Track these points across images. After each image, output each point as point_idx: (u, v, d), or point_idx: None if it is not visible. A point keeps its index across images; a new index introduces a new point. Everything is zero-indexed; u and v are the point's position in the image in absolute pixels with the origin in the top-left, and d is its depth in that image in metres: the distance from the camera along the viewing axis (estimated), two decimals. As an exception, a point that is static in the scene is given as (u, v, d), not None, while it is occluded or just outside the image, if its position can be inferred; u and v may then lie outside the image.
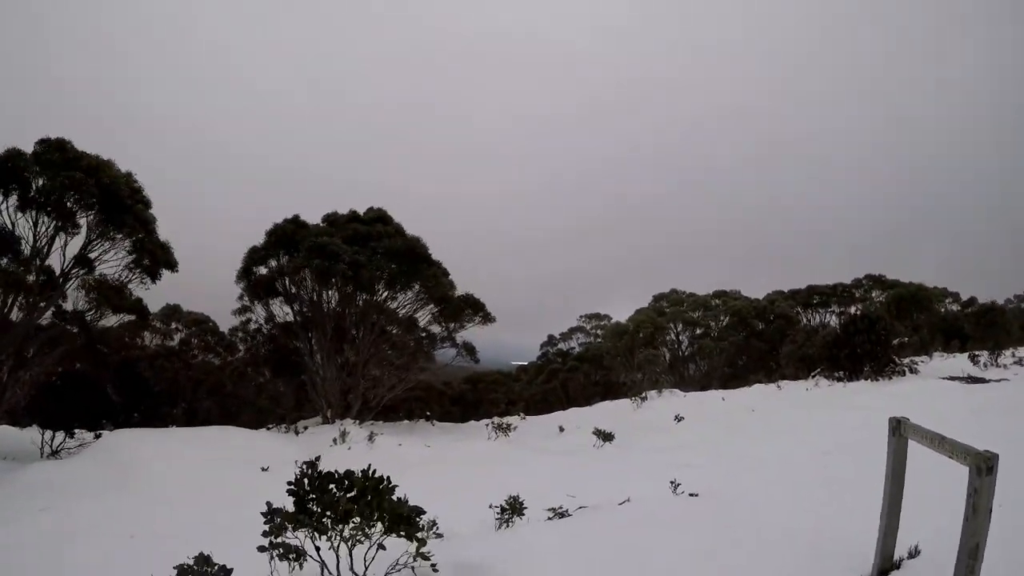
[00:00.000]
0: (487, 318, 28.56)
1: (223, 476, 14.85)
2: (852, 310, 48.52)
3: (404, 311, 28.63)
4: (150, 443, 16.97)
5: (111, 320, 24.81)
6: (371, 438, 19.16)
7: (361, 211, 29.66)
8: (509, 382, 47.61)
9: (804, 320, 48.85)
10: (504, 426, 21.45)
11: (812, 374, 30.22)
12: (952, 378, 21.64)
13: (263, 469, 15.57)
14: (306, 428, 24.37)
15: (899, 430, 5.06)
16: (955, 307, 49.48)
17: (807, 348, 32.41)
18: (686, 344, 45.92)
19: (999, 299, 62.12)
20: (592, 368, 45.72)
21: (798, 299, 50.53)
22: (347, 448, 18.82)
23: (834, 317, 49.33)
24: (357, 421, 25.32)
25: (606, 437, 16.37)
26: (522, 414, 30.80)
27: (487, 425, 23.81)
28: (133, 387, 27.03)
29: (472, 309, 28.37)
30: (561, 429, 22.47)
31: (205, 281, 37.40)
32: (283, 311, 28.99)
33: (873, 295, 49.28)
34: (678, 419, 18.87)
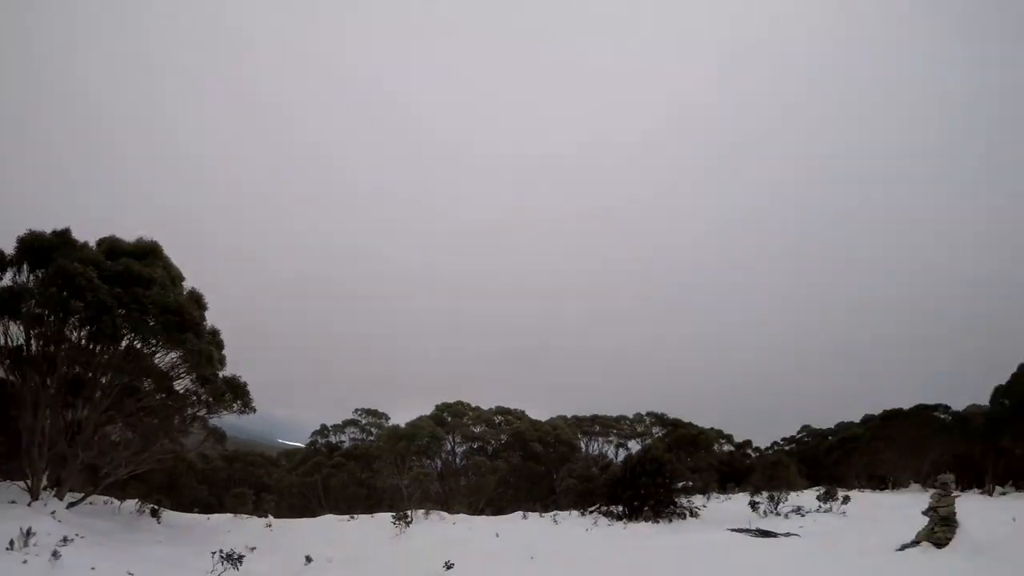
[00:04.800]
0: (247, 405, 24.46)
1: None
2: (631, 444, 48.57)
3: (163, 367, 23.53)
4: None
5: None
6: (55, 555, 14.01)
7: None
8: (269, 466, 44.93)
9: (583, 447, 48.05)
10: (234, 557, 16.70)
11: (591, 509, 28.41)
12: (740, 530, 20.47)
13: None
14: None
15: None
16: (728, 448, 51.02)
17: (589, 484, 30.86)
18: (461, 458, 43.21)
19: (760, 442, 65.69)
20: (359, 467, 41.71)
21: (581, 426, 49.82)
22: (22, 560, 13.66)
23: (613, 448, 49.15)
24: (64, 502, 19.80)
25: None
26: (270, 517, 26.03)
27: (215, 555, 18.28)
28: None
29: (233, 394, 24.10)
30: (308, 560, 18.06)
31: None
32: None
33: (654, 432, 49.64)
34: (447, 567, 15.30)
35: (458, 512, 27.54)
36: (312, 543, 19.35)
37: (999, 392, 47.19)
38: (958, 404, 52.61)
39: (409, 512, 24.24)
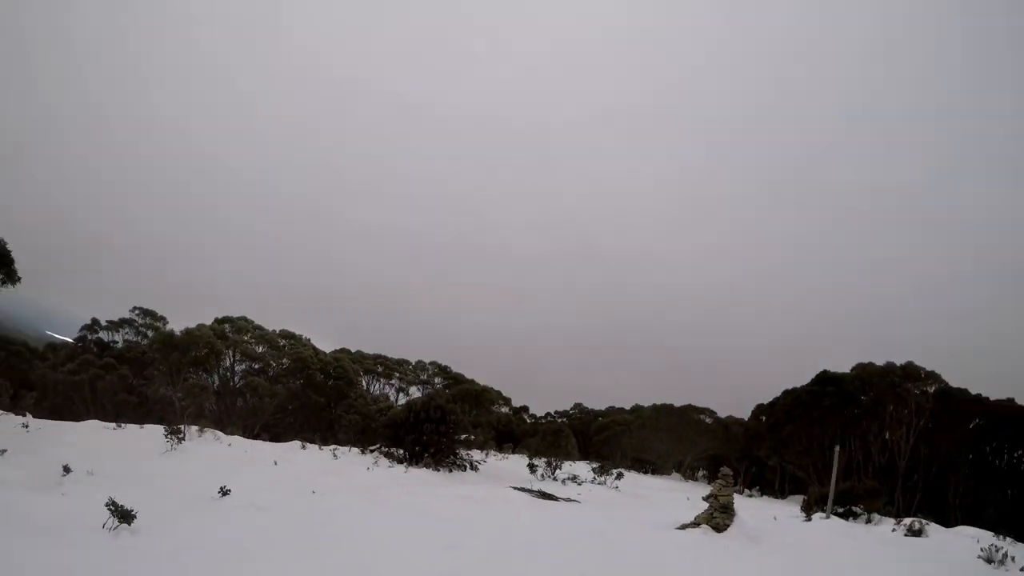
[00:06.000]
0: (9, 277, 21.91)
1: None
2: (412, 390, 48.95)
3: None
4: None
5: None
6: None
7: None
8: (33, 358, 41.28)
9: (365, 386, 47.80)
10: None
11: (371, 448, 28.30)
12: (522, 489, 21.05)
13: None
14: None
15: None
16: (506, 410, 52.68)
17: (370, 422, 30.55)
18: (240, 377, 41.43)
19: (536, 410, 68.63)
20: (131, 371, 38.75)
21: (364, 363, 49.45)
22: None
23: (394, 391, 49.34)
24: None
25: (123, 516, 11.05)
26: (28, 416, 23.39)
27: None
28: None
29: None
30: (66, 471, 16.04)
31: None
32: None
33: (436, 382, 50.24)
34: (224, 493, 14.44)
35: (233, 434, 26.35)
36: (73, 451, 17.29)
37: (759, 410, 53.03)
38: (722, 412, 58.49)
39: (183, 427, 22.79)
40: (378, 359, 51.17)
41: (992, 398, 42.26)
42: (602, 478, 28.24)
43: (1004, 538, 20.64)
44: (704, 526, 16.37)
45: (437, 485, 21.35)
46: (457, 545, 11.64)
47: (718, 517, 16.55)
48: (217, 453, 21.21)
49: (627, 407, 68.22)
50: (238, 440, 24.62)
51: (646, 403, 63.80)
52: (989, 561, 15.88)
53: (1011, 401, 41.57)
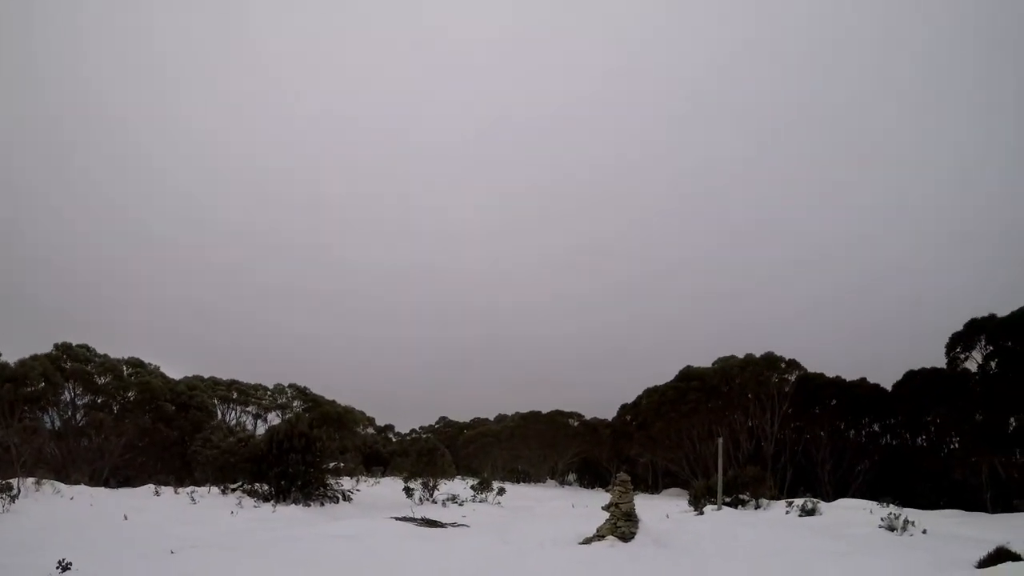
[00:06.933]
0: None
1: None
2: (271, 416, 46.54)
3: None
4: None
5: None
6: None
7: None
8: None
9: (220, 415, 44.89)
10: None
11: (233, 487, 26.33)
12: (404, 519, 19.94)
13: None
14: None
15: None
16: (371, 431, 51.13)
17: (230, 457, 28.37)
18: (82, 415, 37.89)
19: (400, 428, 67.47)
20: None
21: (218, 390, 46.34)
22: None
23: (251, 418, 46.71)
24: None
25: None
26: None
27: None
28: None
29: None
30: None
31: None
32: None
33: (295, 406, 47.98)
34: (63, 568, 12.41)
35: (77, 482, 23.87)
36: None
37: (624, 409, 54.29)
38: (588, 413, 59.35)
39: (15, 481, 20.26)
40: (233, 385, 47.77)
41: (847, 379, 45.08)
42: (483, 495, 27.59)
43: (887, 505, 21.68)
44: (610, 537, 15.71)
45: (310, 523, 19.70)
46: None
47: (623, 526, 16.06)
48: (56, 511, 18.79)
49: (491, 417, 68.50)
50: (82, 491, 22.15)
51: (510, 412, 63.98)
52: (891, 529, 16.32)
53: (864, 380, 44.62)
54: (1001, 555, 10.60)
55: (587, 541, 15.81)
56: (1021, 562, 10.22)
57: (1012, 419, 33.82)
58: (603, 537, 15.79)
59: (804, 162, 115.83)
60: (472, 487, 28.36)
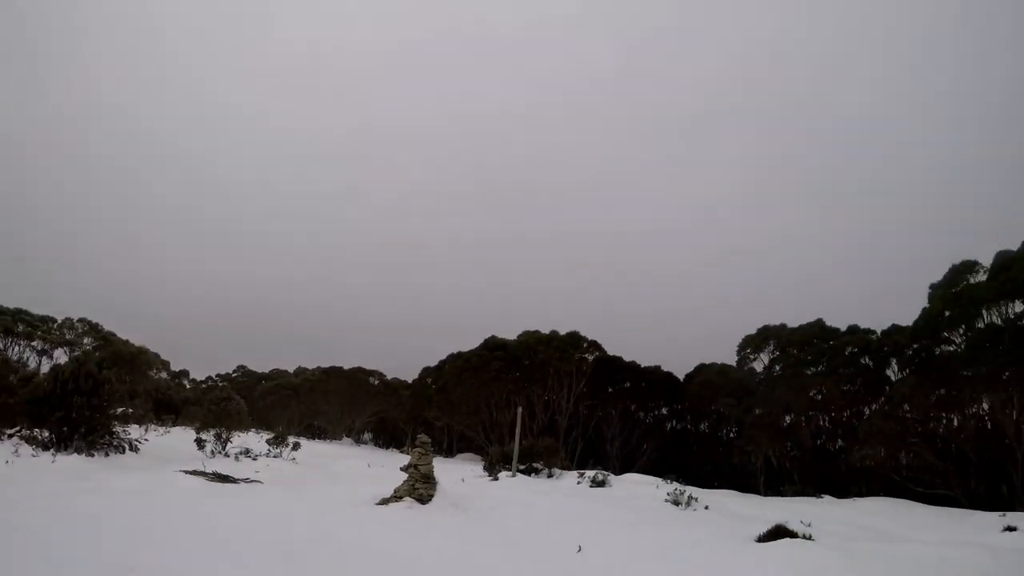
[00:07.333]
0: None
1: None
2: (58, 353, 42.65)
3: None
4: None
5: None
6: None
7: None
8: None
9: (4, 346, 40.53)
10: None
11: (10, 432, 23.81)
12: (196, 472, 18.88)
13: None
14: None
15: None
16: (164, 375, 48.13)
17: (8, 398, 25.50)
18: None
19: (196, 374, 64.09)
20: None
21: (3, 321, 41.88)
22: None
23: (36, 355, 42.48)
24: None
25: None
26: None
27: None
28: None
29: None
30: None
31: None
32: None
33: (85, 343, 44.30)
34: None
35: None
36: None
37: (427, 372, 54.94)
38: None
39: None
40: (19, 315, 43.77)
41: (643, 365, 48.44)
42: (278, 450, 26.73)
43: (671, 481, 23.50)
44: (408, 499, 15.49)
45: (94, 475, 18.32)
46: (130, 568, 8.23)
47: (421, 488, 15.86)
48: None
49: (291, 370, 66.63)
50: None
51: (311, 366, 62.64)
52: (676, 504, 17.44)
53: (658, 368, 48.28)
54: (780, 532, 11.70)
55: (384, 502, 15.59)
56: (797, 539, 11.46)
57: (787, 417, 38.14)
58: (401, 498, 15.64)
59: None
60: (267, 441, 27.31)
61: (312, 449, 31.12)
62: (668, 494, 18.48)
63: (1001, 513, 22.41)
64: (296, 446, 26.99)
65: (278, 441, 26.97)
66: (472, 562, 10.62)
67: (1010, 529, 16.79)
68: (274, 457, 25.44)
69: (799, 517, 15.64)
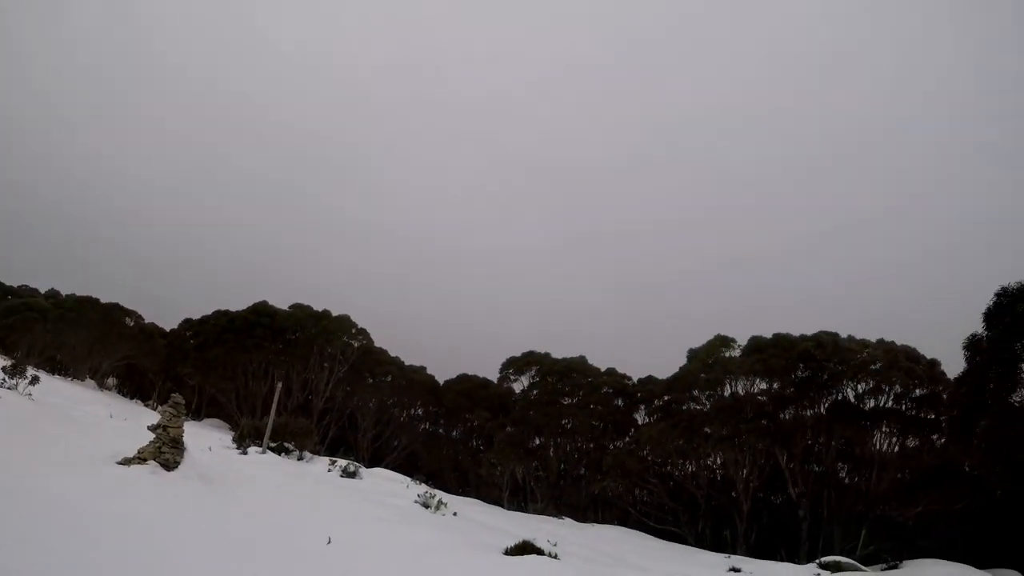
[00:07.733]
0: None
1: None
2: None
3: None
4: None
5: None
6: None
7: None
8: None
9: None
10: None
11: None
12: None
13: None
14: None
15: None
16: None
17: None
18: None
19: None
20: None
21: None
22: None
23: None
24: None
25: None
26: None
27: None
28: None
29: None
30: None
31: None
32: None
33: None
34: None
35: None
36: None
37: (188, 324, 51.76)
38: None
39: None
40: None
41: (408, 363, 49.31)
42: (13, 381, 23.56)
43: (420, 483, 23.74)
44: (152, 463, 14.07)
45: None
46: None
47: (167, 452, 14.43)
48: None
49: (43, 290, 59.32)
50: None
51: (65, 291, 56.28)
52: (426, 506, 17.75)
53: (423, 368, 49.76)
54: (527, 547, 12.33)
55: (126, 462, 14.12)
56: (544, 556, 12.16)
57: (538, 438, 41.20)
58: (145, 461, 14.22)
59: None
60: (2, 369, 23.94)
61: (51, 386, 27.72)
62: (419, 495, 18.78)
63: (726, 555, 25.73)
64: (35, 380, 23.74)
65: (15, 371, 23.57)
66: (226, 540, 10.14)
67: (735, 570, 19.26)
68: (8, 389, 22.27)
69: (545, 536, 16.52)
